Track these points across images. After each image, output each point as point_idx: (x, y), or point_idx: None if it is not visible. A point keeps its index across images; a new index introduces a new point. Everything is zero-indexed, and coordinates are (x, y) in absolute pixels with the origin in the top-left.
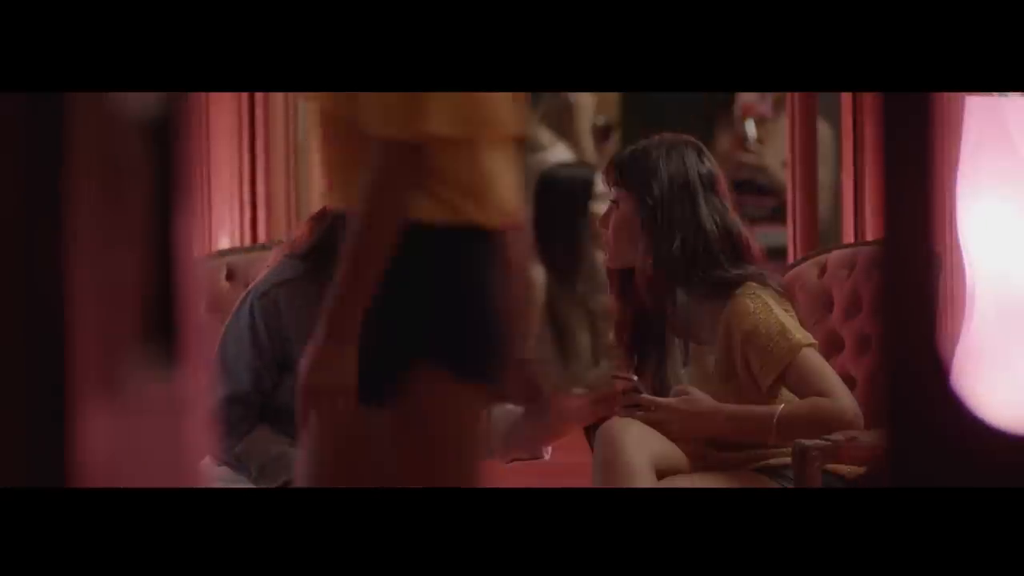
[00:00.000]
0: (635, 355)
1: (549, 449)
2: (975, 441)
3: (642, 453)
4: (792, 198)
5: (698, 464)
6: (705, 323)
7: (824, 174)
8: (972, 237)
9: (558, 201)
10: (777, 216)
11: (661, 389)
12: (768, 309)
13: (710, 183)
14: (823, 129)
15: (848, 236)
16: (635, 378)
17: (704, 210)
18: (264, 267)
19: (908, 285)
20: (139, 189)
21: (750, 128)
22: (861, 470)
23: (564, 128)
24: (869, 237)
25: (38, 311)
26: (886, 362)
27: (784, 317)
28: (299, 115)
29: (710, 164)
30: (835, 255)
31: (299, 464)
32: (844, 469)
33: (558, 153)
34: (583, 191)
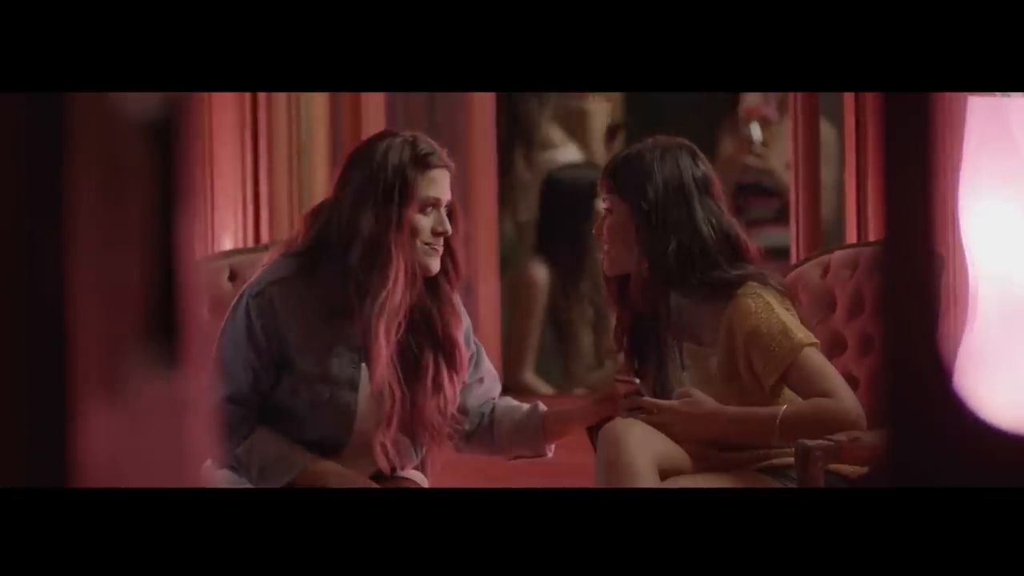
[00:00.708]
0: (635, 360)
1: (552, 447)
2: (977, 441)
3: (645, 453)
4: (795, 198)
5: (701, 464)
6: (706, 324)
7: (828, 174)
8: (974, 237)
9: (563, 201)
10: (782, 217)
11: (662, 393)
12: (770, 308)
13: (705, 186)
14: (826, 130)
15: (851, 236)
16: (637, 381)
17: (700, 213)
18: (260, 266)
19: (910, 285)
20: (141, 189)
21: (755, 131)
22: (864, 470)
23: (576, 130)
24: (872, 237)
25: (39, 311)
26: (888, 362)
27: (786, 316)
28: (302, 115)
29: (704, 167)
30: (838, 255)
31: None
32: (847, 469)
33: (568, 153)
34: (588, 192)
